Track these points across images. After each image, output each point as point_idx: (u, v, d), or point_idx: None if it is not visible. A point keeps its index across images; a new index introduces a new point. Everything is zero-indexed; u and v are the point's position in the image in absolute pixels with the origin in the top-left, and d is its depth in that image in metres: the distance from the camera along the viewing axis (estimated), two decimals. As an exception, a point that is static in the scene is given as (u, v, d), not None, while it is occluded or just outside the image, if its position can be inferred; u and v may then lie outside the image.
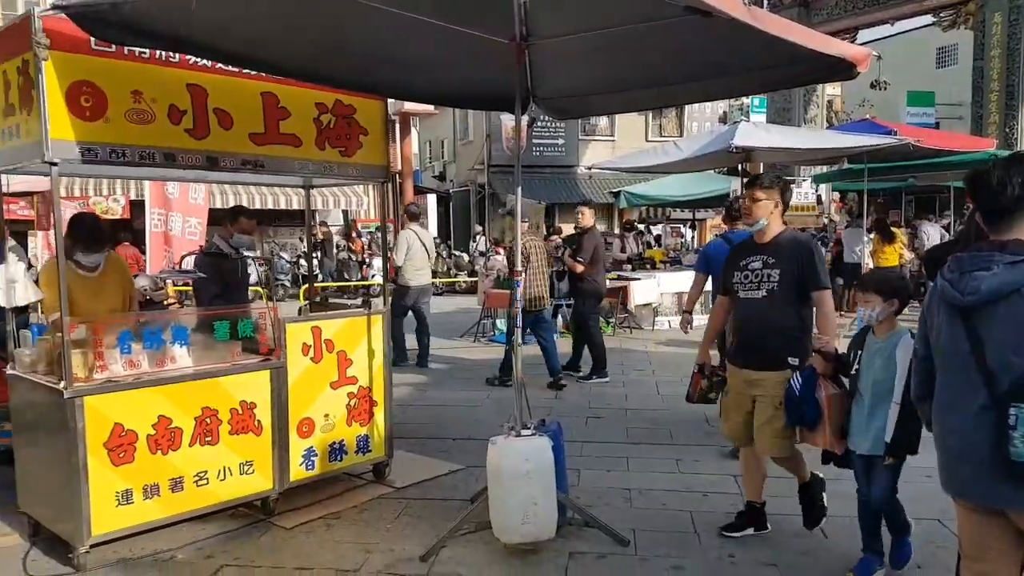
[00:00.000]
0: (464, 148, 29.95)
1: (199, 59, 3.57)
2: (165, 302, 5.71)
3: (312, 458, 4.23)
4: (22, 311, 4.42)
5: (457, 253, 20.97)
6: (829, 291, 3.65)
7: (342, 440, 4.38)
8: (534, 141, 25.80)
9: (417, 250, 8.20)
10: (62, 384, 3.29)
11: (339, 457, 4.38)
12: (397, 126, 26.93)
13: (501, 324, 10.94)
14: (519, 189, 3.97)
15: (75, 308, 3.57)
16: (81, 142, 3.17)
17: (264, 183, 6.64)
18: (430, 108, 28.87)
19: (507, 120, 26.69)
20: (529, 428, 3.72)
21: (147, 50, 3.38)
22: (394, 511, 4.22)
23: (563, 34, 3.81)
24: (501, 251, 16.26)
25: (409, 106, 26.55)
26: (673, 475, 4.91)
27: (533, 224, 12.14)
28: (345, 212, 23.04)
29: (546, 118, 26.04)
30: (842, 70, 3.92)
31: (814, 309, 3.63)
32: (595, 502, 4.32)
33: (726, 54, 4.28)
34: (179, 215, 7.77)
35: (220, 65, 3.67)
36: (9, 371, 3.74)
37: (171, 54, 3.48)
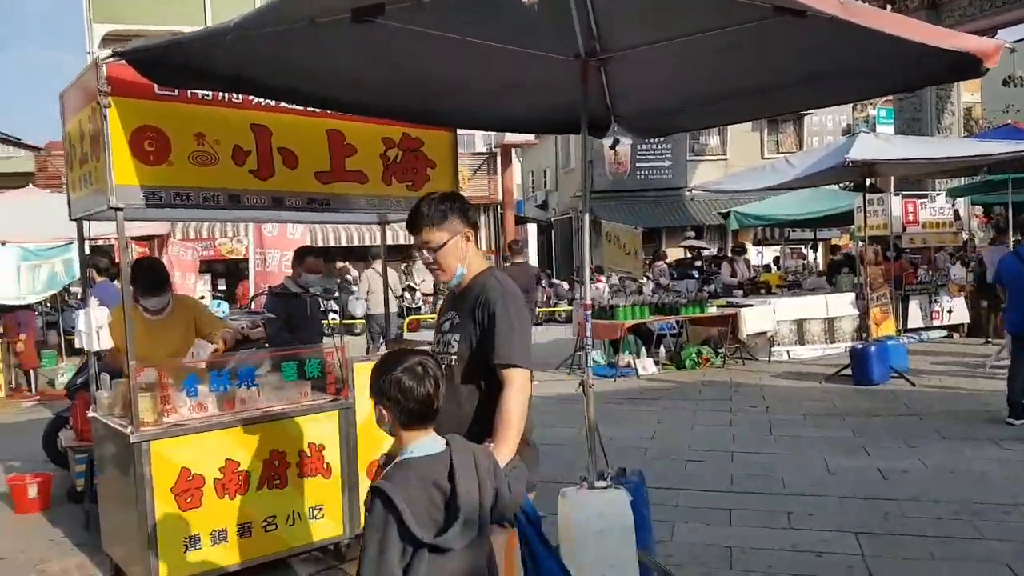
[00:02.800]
0: (566, 176, 29.82)
1: (263, 99, 3.54)
2: (263, 340, 5.80)
3: (383, 503, 4.05)
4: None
5: (556, 282, 20.68)
6: (522, 370, 2.43)
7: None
8: (638, 164, 25.13)
9: (378, 285, 9.86)
10: (129, 428, 3.30)
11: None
12: (498, 158, 27.24)
13: (597, 355, 10.55)
14: (587, 217, 3.66)
15: (141, 351, 3.59)
16: (145, 186, 3.20)
17: (337, 221, 6.63)
18: (531, 138, 29.12)
19: (607, 145, 26.24)
20: (605, 479, 3.36)
21: (210, 92, 3.38)
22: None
23: (636, 46, 3.50)
24: (602, 280, 15.88)
25: (510, 137, 26.80)
26: (783, 531, 4.36)
27: (632, 249, 11.77)
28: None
29: (652, 139, 25.52)
30: (966, 67, 3.39)
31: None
32: (689, 562, 3.89)
33: (825, 57, 3.84)
34: (276, 251, 8.02)
35: (284, 104, 3.63)
36: (91, 413, 3.84)
37: (235, 95, 3.46)
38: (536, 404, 8.78)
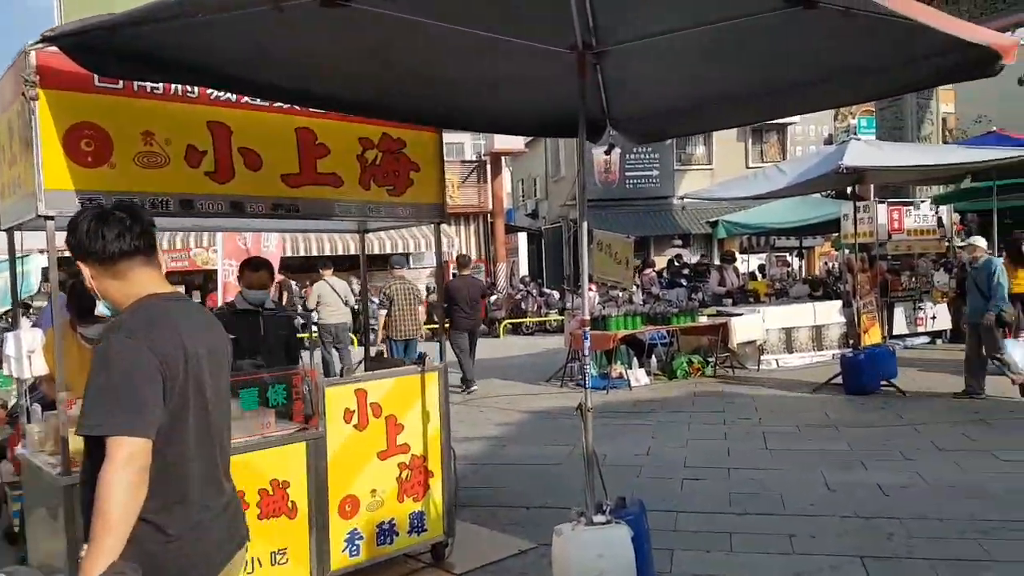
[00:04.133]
0: (556, 185, 29.66)
1: (222, 93, 3.21)
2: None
3: (357, 542, 3.71)
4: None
5: (547, 291, 20.42)
6: (118, 439, 1.65)
7: (392, 519, 3.84)
8: (627, 173, 25.25)
9: (328, 295, 10.01)
10: (58, 469, 2.87)
11: (389, 539, 3.84)
12: (488, 166, 26.98)
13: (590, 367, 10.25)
14: (584, 224, 3.38)
15: (76, 382, 3.24)
16: (81, 191, 2.83)
17: (309, 229, 6.12)
18: (520, 146, 28.95)
19: (598, 153, 26.33)
20: (604, 512, 3.07)
21: (160, 85, 3.05)
22: (452, 602, 3.64)
23: (636, 39, 3.22)
24: (594, 288, 15.62)
25: (500, 145, 26.58)
26: (786, 557, 4.08)
27: (622, 258, 11.50)
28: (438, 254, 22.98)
29: (639, 148, 25.49)
30: (983, 63, 3.16)
31: None
32: (690, 595, 3.59)
33: (834, 55, 3.59)
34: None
35: (248, 99, 3.30)
36: (19, 450, 3.41)
37: (190, 88, 3.13)
38: (526, 420, 8.44)
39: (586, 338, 3.23)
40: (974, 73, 3.39)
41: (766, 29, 3.27)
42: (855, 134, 22.45)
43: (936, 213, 13.28)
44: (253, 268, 4.39)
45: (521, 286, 21.23)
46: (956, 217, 16.88)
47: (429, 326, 14.01)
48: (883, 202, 12.62)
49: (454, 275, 10.85)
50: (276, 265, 8.22)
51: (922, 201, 13.88)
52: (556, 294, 19.66)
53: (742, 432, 6.97)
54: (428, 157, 3.97)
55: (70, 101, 2.83)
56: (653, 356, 10.53)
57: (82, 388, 1.74)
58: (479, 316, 10.34)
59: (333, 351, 9.99)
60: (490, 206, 26.55)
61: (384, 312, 9.22)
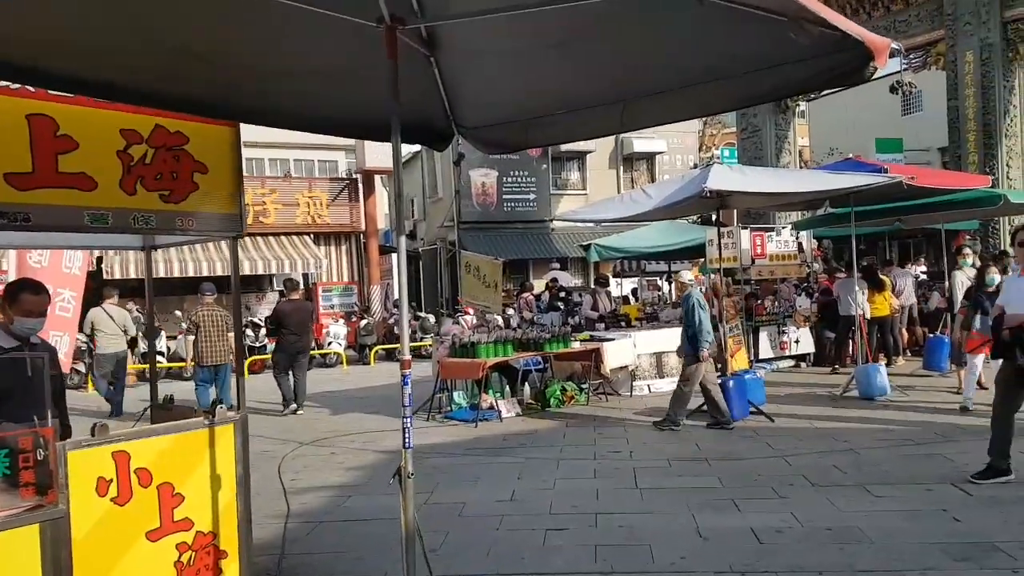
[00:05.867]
0: (433, 206, 29.08)
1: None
2: None
3: (114, 651, 2.85)
4: None
5: (422, 315, 19.67)
6: None
7: (169, 619, 3.01)
8: (504, 196, 25.58)
9: (105, 322, 10.15)
10: None
11: (162, 643, 3.00)
12: (360, 184, 25.94)
13: (459, 397, 9.62)
14: (402, 239, 2.74)
15: None
16: None
17: (75, 245, 5.10)
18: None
19: (476, 176, 26.10)
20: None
21: None
22: None
23: (458, 16, 2.65)
24: (470, 311, 15.02)
25: (372, 163, 25.54)
26: (655, 626, 3.57)
27: (492, 281, 10.99)
28: (305, 275, 21.91)
29: (516, 171, 25.46)
30: (855, 65, 2.86)
31: None
32: None
33: (701, 53, 3.20)
34: (48, 287, 6.42)
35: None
36: None
37: None
38: (380, 463, 7.59)
39: (406, 383, 2.58)
40: (844, 78, 3.08)
41: (617, 21, 2.82)
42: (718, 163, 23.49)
43: (796, 239, 13.72)
44: (33, 291, 3.39)
45: (395, 309, 20.33)
46: (814, 243, 17.78)
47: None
48: (746, 228, 12.87)
49: (281, 299, 11.48)
50: (81, 288, 7.05)
51: (783, 227, 14.36)
52: (431, 318, 18.92)
53: (612, 468, 6.52)
54: (219, 156, 3.22)
55: None
56: (527, 383, 10.04)
57: None
58: (308, 339, 10.74)
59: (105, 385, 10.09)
60: (363, 226, 25.51)
61: (192, 338, 9.44)
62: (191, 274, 17.34)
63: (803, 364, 12.79)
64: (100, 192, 2.83)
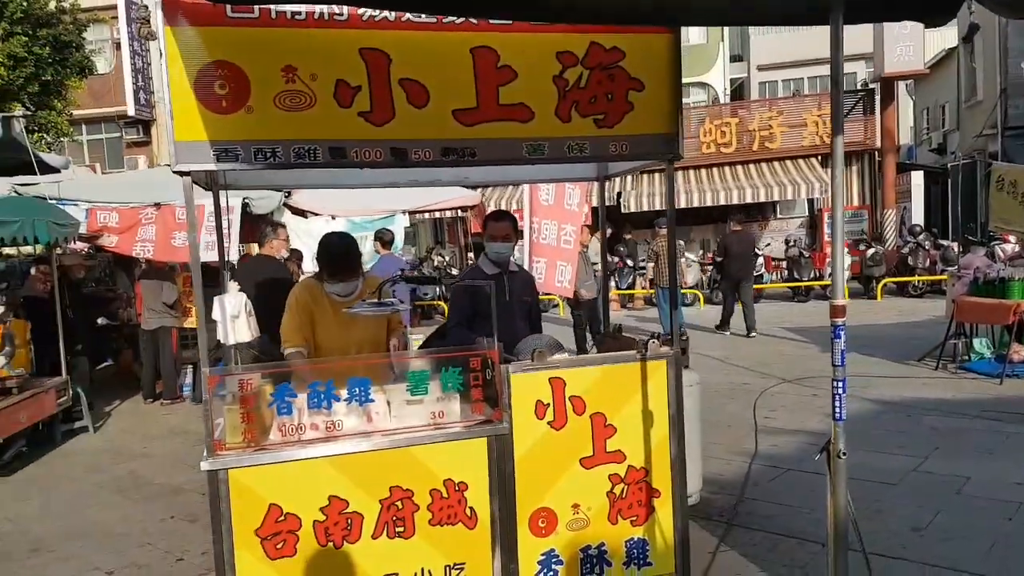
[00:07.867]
0: (969, 111, 24.00)
1: (378, 12, 2.63)
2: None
3: (554, 567, 2.97)
4: (217, 346, 4.10)
5: (944, 243, 16.62)
6: None
7: (602, 544, 3.01)
8: None
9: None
10: (204, 453, 2.67)
11: (598, 568, 3.02)
12: (877, 94, 22.87)
13: (980, 345, 7.80)
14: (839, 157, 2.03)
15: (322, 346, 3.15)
16: (216, 142, 2.52)
17: (490, 183, 4.20)
18: (921, 67, 23.83)
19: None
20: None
21: (303, 8, 2.57)
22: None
23: None
24: (1010, 239, 12.13)
25: (893, 67, 22.22)
26: None
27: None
28: (811, 201, 20.73)
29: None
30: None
31: None
32: None
33: None
34: (553, 222, 7.19)
35: (411, 17, 2.68)
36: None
37: (337, 9, 2.61)
38: (869, 413, 6.61)
39: (837, 336, 1.95)
40: None
41: None
42: None
43: None
44: (495, 218, 3.82)
45: (910, 237, 17.57)
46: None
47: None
48: None
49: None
50: (579, 222, 7.64)
51: None
52: (955, 247, 15.83)
53: None
54: (656, 69, 2.91)
55: (200, 37, 2.49)
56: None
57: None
58: (750, 268, 11.72)
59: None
60: (878, 142, 22.50)
61: (651, 264, 11.41)
62: (722, 202, 17.81)
63: None
64: (537, 122, 2.84)
